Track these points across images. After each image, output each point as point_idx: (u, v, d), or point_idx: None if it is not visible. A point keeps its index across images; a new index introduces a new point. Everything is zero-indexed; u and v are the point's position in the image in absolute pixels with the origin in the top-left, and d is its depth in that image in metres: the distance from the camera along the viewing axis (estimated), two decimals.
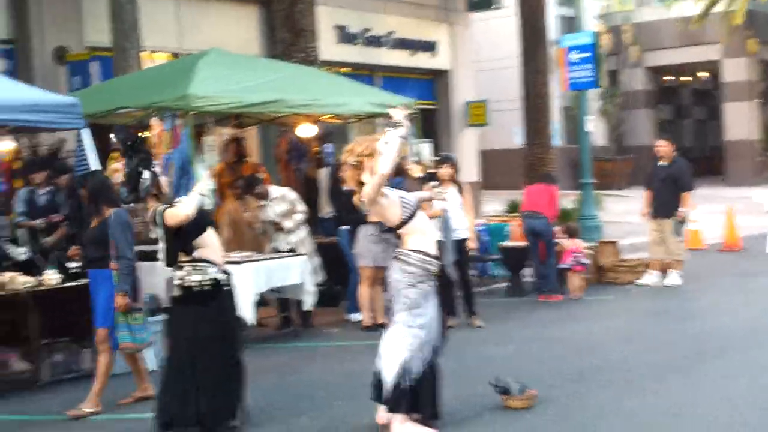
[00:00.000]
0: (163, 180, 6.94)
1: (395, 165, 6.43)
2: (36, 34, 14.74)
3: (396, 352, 6.40)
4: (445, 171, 10.48)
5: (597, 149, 31.84)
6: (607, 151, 31.85)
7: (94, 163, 9.27)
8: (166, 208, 6.67)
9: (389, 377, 6.38)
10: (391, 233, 10.25)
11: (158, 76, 11.84)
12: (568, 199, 18.59)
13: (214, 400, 6.55)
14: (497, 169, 26.11)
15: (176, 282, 6.61)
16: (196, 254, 6.58)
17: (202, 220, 6.73)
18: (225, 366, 6.62)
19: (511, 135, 25.78)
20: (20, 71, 14.72)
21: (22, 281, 8.45)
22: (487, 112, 22.02)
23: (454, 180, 10.55)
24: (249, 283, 9.68)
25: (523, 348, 9.23)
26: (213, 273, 6.59)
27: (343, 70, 20.06)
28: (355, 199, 6.49)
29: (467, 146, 22.36)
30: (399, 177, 11.17)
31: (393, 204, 6.36)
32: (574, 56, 16.84)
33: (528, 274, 12.72)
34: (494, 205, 20.23)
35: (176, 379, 6.60)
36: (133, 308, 7.41)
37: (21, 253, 9.14)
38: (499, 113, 25.26)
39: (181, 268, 6.60)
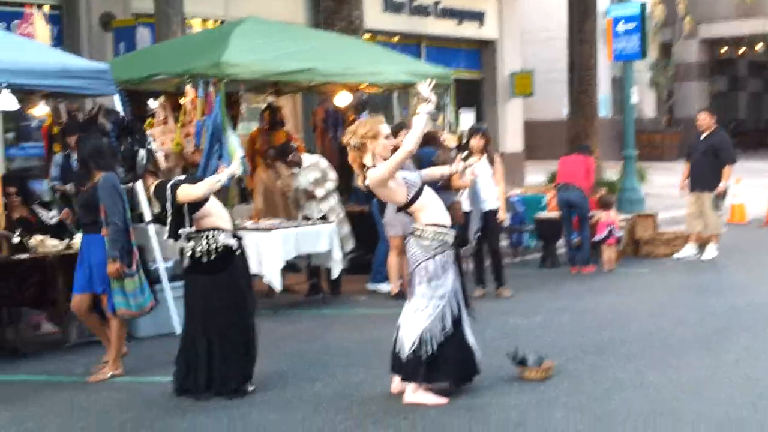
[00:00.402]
0: (160, 156, 6.97)
1: (424, 136, 6.46)
2: (83, 1, 14.89)
3: (415, 322, 6.42)
4: (475, 142, 10.40)
5: (646, 121, 31.49)
6: (657, 124, 31.40)
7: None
8: (179, 183, 6.71)
9: (407, 347, 6.40)
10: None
11: (195, 43, 11.90)
12: (612, 171, 18.44)
13: (225, 365, 6.62)
14: (543, 140, 25.90)
15: (187, 252, 6.67)
16: (204, 223, 6.62)
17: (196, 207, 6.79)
18: (237, 332, 6.68)
19: (559, 106, 25.46)
20: (67, 37, 14.91)
21: (51, 244, 8.58)
22: (533, 82, 21.79)
23: (485, 151, 10.46)
24: (277, 249, 9.75)
25: (548, 319, 9.17)
26: (222, 240, 6.63)
27: (387, 39, 20.05)
28: (358, 181, 6.48)
29: (512, 117, 22.19)
30: (429, 147, 11.17)
31: (399, 185, 6.35)
32: (621, 27, 16.64)
33: (562, 245, 12.61)
34: (537, 176, 20.08)
35: (190, 346, 6.70)
36: (125, 273, 7.24)
37: (51, 216, 9.25)
38: (547, 84, 25.00)
39: (190, 238, 6.65)
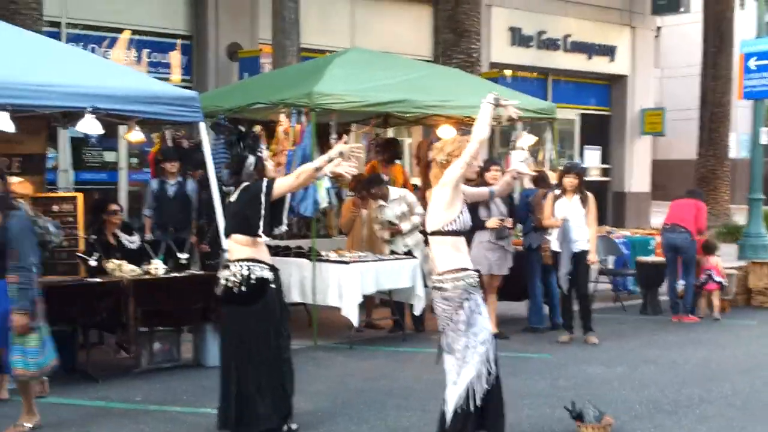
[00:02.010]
0: (269, 165, 6.84)
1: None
2: (211, 31, 15.31)
3: (463, 377, 6.07)
4: (569, 180, 9.98)
5: None
6: None
7: (208, 157, 9.39)
8: (274, 179, 6.61)
9: (452, 403, 6.06)
10: (503, 240, 10.04)
11: (295, 73, 11.94)
12: (741, 215, 17.54)
13: (258, 401, 6.45)
14: (673, 181, 24.98)
15: (221, 281, 6.56)
16: (241, 253, 6.50)
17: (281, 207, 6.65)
18: (270, 366, 6.50)
19: (693, 145, 24.58)
20: (195, 66, 15.36)
21: (128, 269, 8.68)
22: (665, 120, 21.04)
23: (578, 190, 10.04)
24: (355, 283, 9.59)
25: (630, 371, 8.67)
26: (258, 272, 6.49)
27: (514, 73, 19.78)
28: (428, 193, 6.17)
29: (640, 155, 21.54)
30: (534, 188, 10.83)
31: (456, 204, 5.90)
32: (753, 63, 15.84)
33: (665, 291, 11.98)
34: (663, 217, 19.31)
35: (224, 380, 6.58)
36: (31, 327, 6.45)
37: (132, 241, 9.38)
38: (682, 122, 24.16)
39: (227, 267, 6.54)
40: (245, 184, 6.61)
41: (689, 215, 11.42)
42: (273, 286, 6.55)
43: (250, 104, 10.96)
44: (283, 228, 6.80)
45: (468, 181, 6.17)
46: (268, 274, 6.52)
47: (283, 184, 6.51)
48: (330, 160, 6.61)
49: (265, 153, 7.00)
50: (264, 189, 6.43)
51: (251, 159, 6.69)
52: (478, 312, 5.99)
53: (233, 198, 6.68)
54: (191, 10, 15.37)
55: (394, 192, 10.61)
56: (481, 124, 5.90)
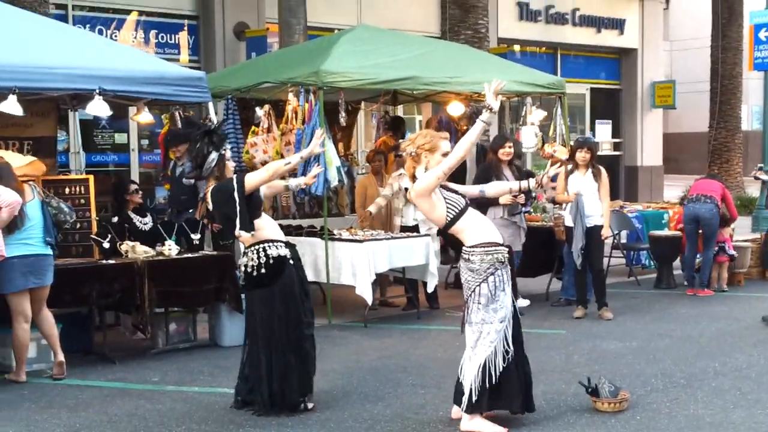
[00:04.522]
0: (230, 165, 6.84)
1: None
2: (218, 11, 15.25)
3: (478, 351, 6.09)
4: (581, 155, 9.93)
5: None
6: None
7: None
8: (245, 173, 6.62)
9: (469, 378, 6.08)
10: (516, 216, 10.03)
11: (303, 51, 11.89)
12: (754, 187, 17.46)
13: (284, 379, 6.47)
14: (685, 154, 24.89)
15: (240, 268, 6.57)
16: (255, 237, 6.49)
17: (258, 200, 6.64)
18: (293, 344, 6.50)
19: (705, 118, 24.47)
20: (203, 46, 15.33)
21: (141, 251, 8.69)
22: (675, 93, 20.93)
23: (591, 164, 9.99)
24: (369, 261, 9.58)
25: (644, 345, 8.64)
26: (273, 252, 6.48)
27: (522, 48, 19.69)
28: (408, 195, 6.25)
29: (651, 129, 21.43)
30: None
31: (440, 201, 6.03)
32: (763, 34, 15.76)
33: (679, 265, 11.93)
34: (676, 190, 19.29)
35: (249, 360, 6.61)
36: None
37: (145, 223, 9.38)
38: (693, 95, 24.03)
39: (244, 254, 6.55)
40: (215, 186, 6.55)
41: (716, 190, 11.29)
42: (291, 261, 6.55)
43: (257, 84, 10.92)
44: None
45: None
46: (284, 251, 6.53)
47: (254, 179, 6.47)
48: (302, 159, 6.84)
49: (228, 153, 6.96)
50: (236, 186, 6.40)
51: (213, 155, 6.67)
52: (502, 289, 6.03)
53: (210, 206, 6.60)
54: None
55: None
56: (467, 141, 5.97)
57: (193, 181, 7.33)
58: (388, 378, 7.57)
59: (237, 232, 6.40)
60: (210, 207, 6.53)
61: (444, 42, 13.35)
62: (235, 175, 6.55)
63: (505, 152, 10.12)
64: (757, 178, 11.12)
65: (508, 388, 6.14)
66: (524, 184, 6.72)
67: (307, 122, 10.18)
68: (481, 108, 6.10)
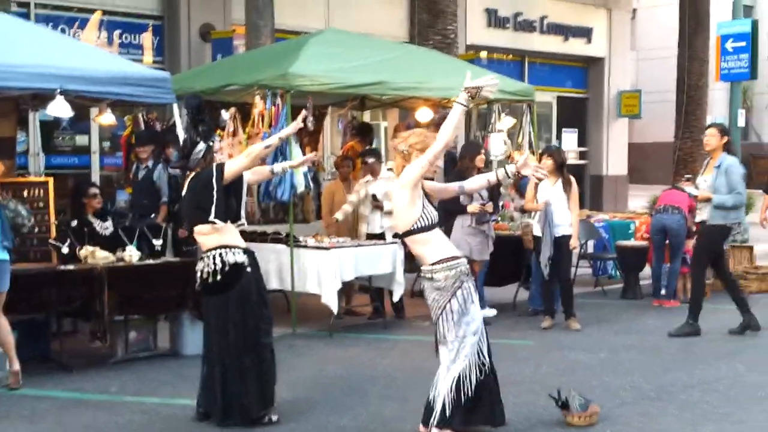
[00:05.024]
0: (217, 158, 6.66)
1: None
2: (183, 11, 15.03)
3: (454, 367, 5.94)
4: (543, 162, 9.77)
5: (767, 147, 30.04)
6: None
7: (181, 138, 9.17)
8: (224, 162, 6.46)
9: (443, 393, 5.93)
10: (484, 225, 9.90)
11: (270, 54, 11.73)
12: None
13: (241, 389, 6.29)
14: (650, 164, 24.99)
15: (197, 273, 6.38)
16: (210, 242, 6.32)
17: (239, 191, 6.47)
18: (250, 353, 6.32)
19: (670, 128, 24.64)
20: (167, 47, 15.10)
21: (101, 256, 8.46)
22: (641, 102, 20.99)
23: (559, 172, 9.91)
24: (335, 270, 9.43)
25: (613, 356, 8.57)
26: (231, 258, 6.30)
27: (490, 55, 19.64)
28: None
29: (617, 138, 21.51)
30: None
31: (416, 204, 5.84)
32: (730, 45, 15.82)
33: (648, 275, 11.89)
34: (641, 200, 19.27)
35: (206, 371, 6.43)
36: None
37: (105, 227, 9.15)
38: (659, 104, 24.11)
39: (201, 259, 6.37)
40: (194, 173, 6.42)
41: (683, 201, 11.28)
42: (249, 269, 6.36)
43: (224, 86, 10.74)
44: (243, 222, 6.58)
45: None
46: (241, 258, 6.33)
47: (234, 166, 6.35)
48: (281, 140, 6.62)
49: (217, 145, 6.77)
50: (215, 173, 6.28)
51: (201, 146, 6.52)
52: (471, 301, 5.90)
53: (185, 190, 6.49)
54: None
55: (385, 172, 10.47)
56: (449, 125, 5.78)
57: (179, 170, 7.02)
58: (354, 389, 7.42)
59: (211, 218, 6.23)
60: (183, 192, 6.35)
61: (413, 47, 13.25)
62: (215, 163, 6.38)
63: (480, 158, 10.04)
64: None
65: (486, 401, 6.01)
66: (501, 172, 6.43)
67: (274, 126, 9.98)
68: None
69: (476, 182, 6.47)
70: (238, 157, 6.53)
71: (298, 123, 6.69)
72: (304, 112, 6.83)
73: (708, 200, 9.37)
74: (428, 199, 5.94)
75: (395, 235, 6.34)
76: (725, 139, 9.48)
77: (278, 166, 7.05)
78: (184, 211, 6.69)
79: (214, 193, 6.25)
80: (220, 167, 6.32)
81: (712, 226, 9.40)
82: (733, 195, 9.30)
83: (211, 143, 6.60)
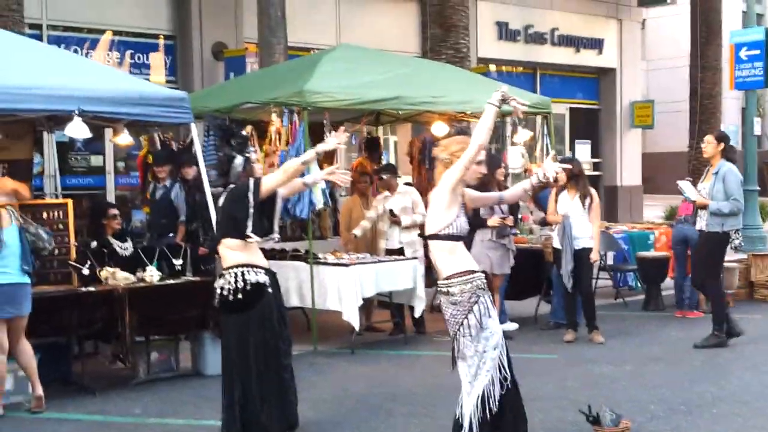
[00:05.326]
0: (256, 167, 6.60)
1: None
2: (195, 30, 15.03)
3: (477, 383, 5.84)
4: (561, 176, 9.66)
5: None
6: None
7: (200, 158, 9.16)
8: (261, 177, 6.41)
9: (468, 411, 5.82)
10: (504, 238, 9.83)
11: (284, 71, 11.69)
12: None
13: (262, 410, 6.21)
14: (664, 173, 24.88)
15: (216, 290, 6.32)
16: (233, 259, 6.27)
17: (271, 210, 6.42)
18: (271, 373, 6.25)
19: (683, 137, 24.54)
20: (180, 66, 15.09)
21: (122, 277, 8.41)
22: (654, 112, 20.91)
23: (577, 185, 9.82)
24: (355, 286, 9.36)
25: (639, 369, 8.48)
26: (253, 277, 6.24)
27: (500, 68, 19.59)
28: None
29: (630, 148, 21.42)
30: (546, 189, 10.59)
31: (453, 208, 5.74)
32: (743, 53, 15.71)
33: (669, 286, 11.79)
34: (656, 210, 19.22)
35: (228, 392, 6.34)
36: None
37: (125, 248, 9.12)
38: (671, 114, 24.04)
39: (222, 276, 6.30)
40: (232, 185, 6.39)
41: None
42: (270, 290, 6.30)
43: (239, 104, 10.71)
44: (276, 236, 6.52)
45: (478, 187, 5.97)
46: (263, 278, 6.27)
47: (271, 181, 6.30)
48: (318, 154, 6.47)
49: (254, 155, 6.71)
50: (252, 187, 6.23)
51: (239, 159, 6.47)
52: (488, 315, 5.76)
53: (221, 201, 6.46)
54: (174, 9, 15.07)
55: (402, 187, 10.40)
56: (482, 127, 5.60)
57: (221, 189, 6.93)
58: (378, 407, 7.34)
59: (248, 231, 6.19)
60: (220, 203, 6.31)
61: (425, 61, 13.19)
62: (252, 178, 6.34)
63: (501, 171, 10.01)
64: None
65: (510, 416, 5.91)
66: (534, 178, 6.35)
67: (292, 143, 9.98)
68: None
69: (514, 191, 6.40)
70: (275, 173, 6.48)
71: (340, 138, 6.55)
72: (342, 128, 6.69)
73: (705, 207, 9.29)
74: (464, 211, 5.84)
75: (419, 235, 6.18)
76: (722, 145, 9.43)
77: (309, 178, 6.92)
78: (217, 222, 6.64)
79: (250, 207, 6.21)
80: (258, 182, 6.28)
81: (710, 234, 9.32)
82: (729, 201, 9.22)
83: (248, 154, 6.56)
